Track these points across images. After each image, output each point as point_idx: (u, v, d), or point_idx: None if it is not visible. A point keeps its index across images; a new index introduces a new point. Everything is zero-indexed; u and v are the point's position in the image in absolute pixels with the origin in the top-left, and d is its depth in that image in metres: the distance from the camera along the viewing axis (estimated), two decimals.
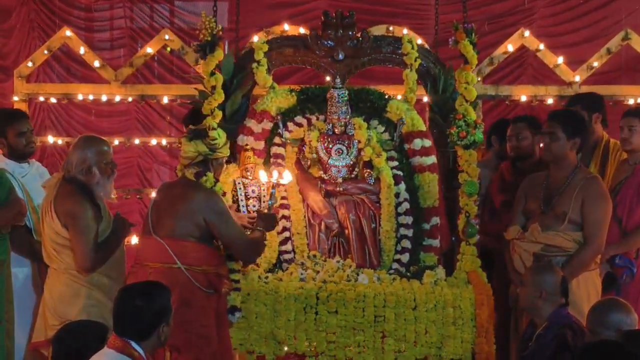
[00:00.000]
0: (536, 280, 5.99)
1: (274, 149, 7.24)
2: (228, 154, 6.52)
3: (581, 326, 5.86)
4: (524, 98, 9.51)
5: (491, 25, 10.22)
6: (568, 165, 6.84)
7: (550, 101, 9.42)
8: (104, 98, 9.66)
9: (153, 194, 9.62)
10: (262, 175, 6.79)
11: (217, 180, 6.39)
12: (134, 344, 4.84)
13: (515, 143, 7.70)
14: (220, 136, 6.39)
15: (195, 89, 7.37)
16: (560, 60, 9.44)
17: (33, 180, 7.09)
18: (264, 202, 6.94)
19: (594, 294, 6.69)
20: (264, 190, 7.00)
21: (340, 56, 7.33)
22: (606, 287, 6.92)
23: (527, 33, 9.50)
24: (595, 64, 9.45)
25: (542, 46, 9.53)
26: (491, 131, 8.24)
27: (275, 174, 6.65)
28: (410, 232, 7.09)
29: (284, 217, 7.10)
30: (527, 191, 7.00)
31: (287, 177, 6.77)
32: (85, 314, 6.22)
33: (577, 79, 9.38)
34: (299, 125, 7.30)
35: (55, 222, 6.32)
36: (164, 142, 10.11)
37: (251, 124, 7.22)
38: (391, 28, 9.49)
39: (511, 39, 9.56)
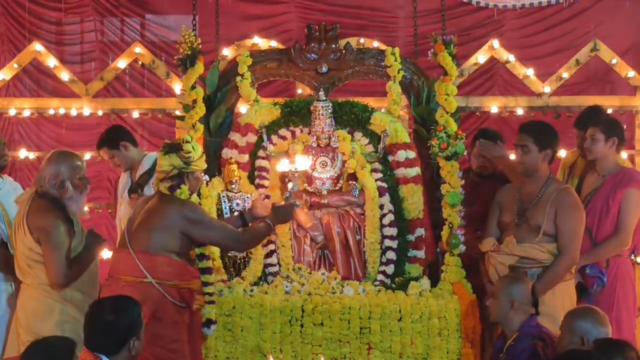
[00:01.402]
0: (507, 292, 6.00)
1: (258, 162, 7.25)
2: (204, 167, 6.48)
3: (552, 336, 5.89)
4: (494, 109, 9.60)
5: (461, 37, 10.22)
6: (541, 177, 6.87)
7: (520, 112, 9.51)
8: (74, 112, 9.63)
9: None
10: (284, 164, 6.74)
11: (192, 193, 6.35)
12: (104, 359, 4.84)
13: (482, 162, 7.75)
14: (194, 149, 6.35)
15: (180, 102, 7.36)
16: (530, 71, 9.56)
17: (7, 195, 7.00)
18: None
19: (569, 304, 6.70)
20: (248, 203, 6.98)
21: (324, 69, 7.34)
22: (577, 297, 6.94)
23: (496, 45, 9.60)
24: (565, 75, 9.57)
25: (511, 58, 9.64)
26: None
27: (298, 159, 6.71)
28: (395, 244, 7.11)
29: None
30: (501, 203, 7.03)
31: (304, 162, 6.83)
32: (59, 329, 6.20)
33: (547, 89, 9.50)
34: (283, 138, 7.30)
35: (27, 237, 6.29)
36: None
37: (235, 137, 7.21)
38: (362, 40, 9.56)
39: (481, 51, 9.66)
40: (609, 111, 9.35)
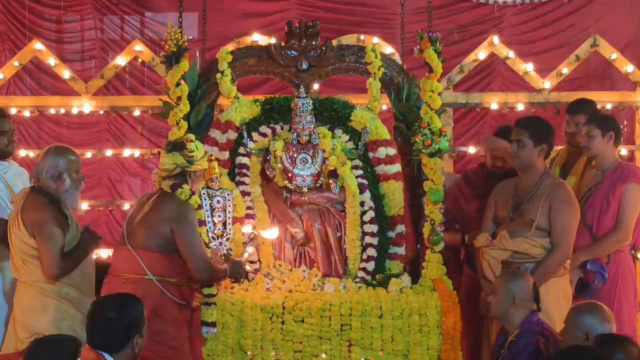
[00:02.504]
0: (508, 287, 6.01)
1: (239, 159, 7.23)
2: (206, 167, 6.53)
3: (553, 332, 5.88)
4: (494, 105, 9.58)
5: (461, 33, 10.31)
6: (536, 171, 6.87)
7: (520, 108, 9.48)
8: (74, 110, 9.69)
9: (127, 206, 9.70)
10: (247, 229, 6.91)
11: (193, 193, 6.38)
12: (107, 356, 4.87)
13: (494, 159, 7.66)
14: (198, 148, 6.40)
15: (160, 99, 7.38)
16: (530, 67, 9.52)
17: (13, 176, 7.16)
18: (228, 212, 6.93)
19: (564, 299, 6.70)
20: (229, 200, 7.00)
21: (304, 66, 7.32)
22: (578, 293, 6.95)
23: (496, 41, 9.57)
24: (565, 70, 9.54)
25: (511, 54, 9.61)
26: None
27: (270, 231, 6.90)
28: (375, 241, 7.08)
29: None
30: (497, 198, 7.02)
31: (274, 232, 6.93)
32: (56, 327, 6.23)
33: (547, 85, 9.47)
34: (264, 135, 7.28)
35: (22, 231, 6.33)
36: (136, 153, 10.13)
37: (215, 134, 7.21)
38: (362, 37, 9.55)
39: (481, 47, 9.64)
40: (609, 106, 9.33)
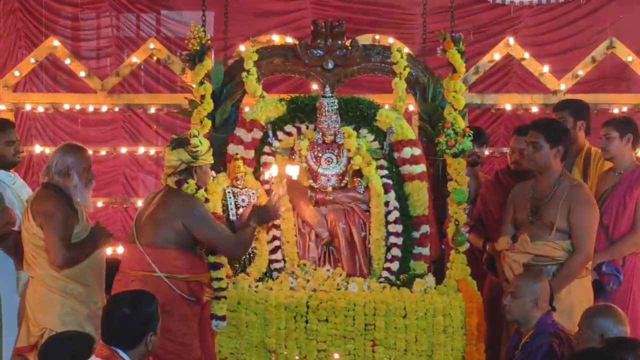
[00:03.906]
0: (531, 290, 5.99)
1: (264, 158, 7.25)
2: (212, 162, 6.50)
3: (567, 334, 5.87)
4: (509, 106, 9.59)
5: (476, 34, 10.29)
6: (553, 173, 6.85)
7: (535, 109, 9.49)
8: (90, 108, 9.69)
9: (141, 204, 9.68)
10: (274, 170, 6.76)
11: (199, 187, 6.35)
12: (121, 353, 4.85)
13: (517, 157, 7.61)
14: (202, 143, 6.36)
15: (185, 97, 7.38)
16: (546, 68, 9.52)
17: (20, 187, 7.14)
18: None
19: (586, 300, 6.68)
20: (253, 199, 7.00)
21: (330, 65, 7.34)
22: (594, 295, 6.92)
23: (512, 42, 9.57)
24: (580, 72, 9.54)
25: (527, 55, 9.61)
26: None
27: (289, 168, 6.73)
28: (400, 241, 7.10)
29: (274, 225, 7.10)
30: (515, 201, 7.01)
31: (295, 169, 6.81)
32: (61, 322, 6.27)
33: (562, 87, 9.46)
34: (289, 134, 7.30)
35: (31, 222, 6.37)
36: (151, 151, 10.13)
37: (241, 133, 7.22)
38: (377, 37, 9.55)
39: (497, 48, 9.63)
40: (625, 109, 9.34)
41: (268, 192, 6.98)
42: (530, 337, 5.90)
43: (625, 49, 9.51)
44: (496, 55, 9.65)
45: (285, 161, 7.08)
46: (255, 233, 6.56)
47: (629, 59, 9.51)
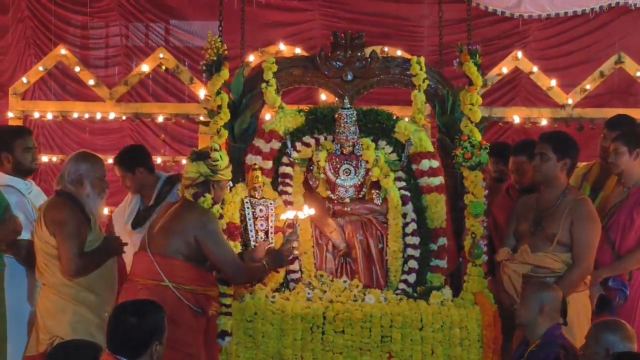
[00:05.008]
0: (537, 295, 6.01)
1: (282, 169, 7.24)
2: (230, 178, 6.54)
3: (574, 347, 5.89)
4: (517, 120, 9.63)
5: (485, 47, 10.25)
6: (558, 186, 6.87)
7: (543, 123, 9.52)
8: (98, 116, 9.70)
9: None
10: (289, 214, 6.85)
11: (215, 203, 6.39)
12: None
13: (517, 178, 7.64)
14: (222, 158, 6.40)
15: (205, 108, 7.38)
16: (554, 82, 9.57)
17: (36, 196, 7.15)
18: (271, 221, 6.94)
19: (584, 314, 6.72)
20: (271, 210, 7.00)
21: (349, 77, 7.33)
22: (600, 310, 6.91)
23: (520, 55, 9.61)
24: (588, 86, 9.59)
25: (535, 69, 9.66)
26: None
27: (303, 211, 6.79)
28: (417, 253, 7.08)
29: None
30: (518, 213, 7.04)
31: (308, 211, 6.85)
32: (72, 330, 6.27)
33: (570, 101, 9.52)
34: (307, 145, 7.28)
35: (44, 230, 6.38)
36: (158, 160, 10.13)
37: (259, 143, 7.20)
38: (386, 49, 9.57)
39: (505, 61, 9.69)
40: None
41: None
42: (537, 347, 5.91)
43: (633, 63, 9.57)
44: (504, 68, 9.71)
45: (302, 204, 7.09)
46: (264, 275, 6.62)
47: (638, 74, 9.56)
